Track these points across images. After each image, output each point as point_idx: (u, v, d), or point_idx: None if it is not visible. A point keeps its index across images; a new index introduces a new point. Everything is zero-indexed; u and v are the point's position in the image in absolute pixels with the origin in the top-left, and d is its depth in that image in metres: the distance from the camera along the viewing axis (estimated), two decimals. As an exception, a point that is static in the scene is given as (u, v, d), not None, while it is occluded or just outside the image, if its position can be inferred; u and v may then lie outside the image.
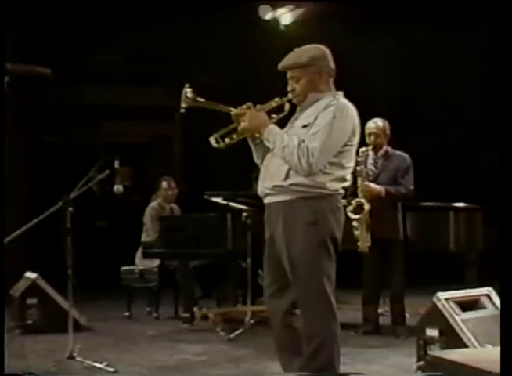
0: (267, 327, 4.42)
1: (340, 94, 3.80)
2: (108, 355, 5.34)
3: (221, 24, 10.09)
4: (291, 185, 3.66)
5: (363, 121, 5.96)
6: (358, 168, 5.83)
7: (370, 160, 6.02)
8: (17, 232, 4.98)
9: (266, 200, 3.80)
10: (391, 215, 5.91)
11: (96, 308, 7.82)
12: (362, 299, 6.16)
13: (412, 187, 5.97)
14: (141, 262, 7.40)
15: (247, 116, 3.74)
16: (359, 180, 5.83)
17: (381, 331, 6.09)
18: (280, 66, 3.81)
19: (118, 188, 5.28)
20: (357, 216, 5.77)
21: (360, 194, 5.82)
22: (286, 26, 10.43)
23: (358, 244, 5.81)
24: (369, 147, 5.98)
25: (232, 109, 3.81)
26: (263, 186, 3.79)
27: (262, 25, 10.29)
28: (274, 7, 10.37)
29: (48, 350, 5.55)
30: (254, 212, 6.03)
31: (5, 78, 3.44)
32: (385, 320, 6.24)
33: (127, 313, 7.33)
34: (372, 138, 5.99)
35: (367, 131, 5.99)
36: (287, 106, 3.82)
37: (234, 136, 3.80)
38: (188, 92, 3.76)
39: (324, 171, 3.64)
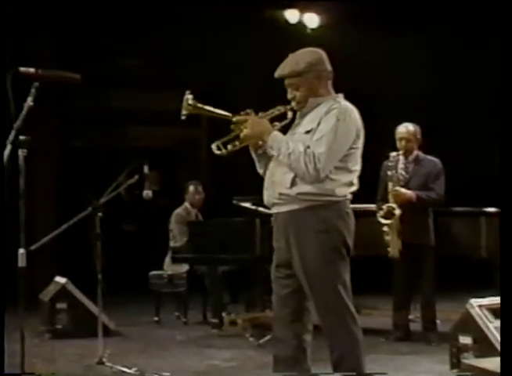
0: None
1: (341, 96, 3.70)
2: (137, 360, 5.34)
3: (248, 28, 10.07)
4: (299, 194, 3.57)
5: (392, 125, 5.98)
6: (389, 173, 5.80)
7: (401, 165, 5.96)
8: (47, 237, 4.99)
9: (274, 210, 3.72)
10: (421, 221, 5.85)
11: (125, 313, 7.84)
12: (393, 305, 6.10)
13: (443, 192, 5.90)
14: (169, 267, 7.40)
15: (249, 123, 3.66)
16: (390, 185, 5.78)
17: (412, 338, 6.02)
18: (277, 74, 3.70)
19: (148, 193, 5.28)
20: (388, 221, 5.72)
21: (391, 199, 5.77)
22: (312, 29, 10.40)
23: (389, 249, 5.77)
24: (400, 152, 5.93)
25: (232, 115, 3.73)
26: (269, 195, 3.71)
27: (289, 29, 10.26)
28: (301, 11, 10.34)
29: (78, 355, 5.57)
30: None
31: (35, 84, 3.46)
32: (416, 326, 6.17)
33: (155, 318, 7.32)
34: (403, 142, 5.93)
35: (398, 135, 5.94)
36: (290, 114, 3.73)
37: (237, 143, 3.72)
38: (189, 98, 3.68)
39: (331, 178, 3.56)
